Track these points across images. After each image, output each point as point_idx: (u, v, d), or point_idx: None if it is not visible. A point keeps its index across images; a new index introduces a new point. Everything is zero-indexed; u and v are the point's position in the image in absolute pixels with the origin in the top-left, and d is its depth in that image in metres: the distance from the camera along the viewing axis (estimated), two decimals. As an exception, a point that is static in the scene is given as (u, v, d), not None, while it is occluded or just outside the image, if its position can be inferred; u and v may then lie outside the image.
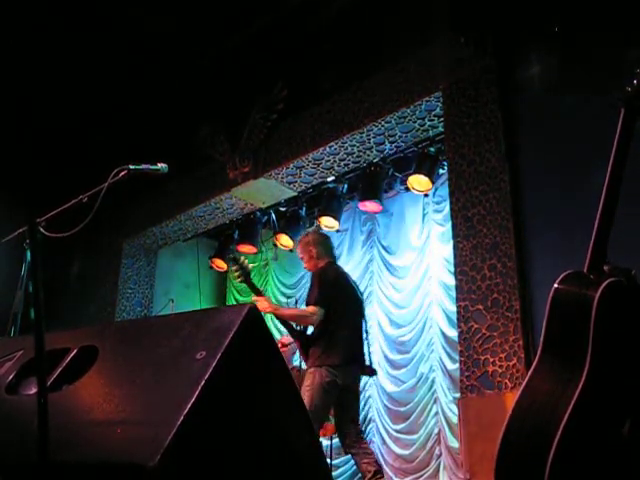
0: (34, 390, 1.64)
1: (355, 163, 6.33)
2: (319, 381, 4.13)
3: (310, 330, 4.44)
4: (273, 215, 7.45)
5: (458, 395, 4.88)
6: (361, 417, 6.04)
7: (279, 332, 7.71)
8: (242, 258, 4.60)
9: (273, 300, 8.44)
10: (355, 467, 6.72)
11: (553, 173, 4.43)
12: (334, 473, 6.56)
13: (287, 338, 6.40)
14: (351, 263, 7.44)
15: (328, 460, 5.29)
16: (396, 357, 7.00)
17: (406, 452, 6.63)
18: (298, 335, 4.50)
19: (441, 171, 6.30)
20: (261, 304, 4.38)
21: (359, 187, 6.72)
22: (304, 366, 6.29)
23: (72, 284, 7.93)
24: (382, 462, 6.24)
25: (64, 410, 1.54)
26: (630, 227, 3.19)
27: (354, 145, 5.99)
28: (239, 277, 4.56)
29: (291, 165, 6.33)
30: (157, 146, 6.97)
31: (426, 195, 6.68)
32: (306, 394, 4.09)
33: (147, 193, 7.05)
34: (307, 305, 4.36)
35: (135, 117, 7.52)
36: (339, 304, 4.34)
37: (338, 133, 5.87)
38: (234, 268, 4.60)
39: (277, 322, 8.13)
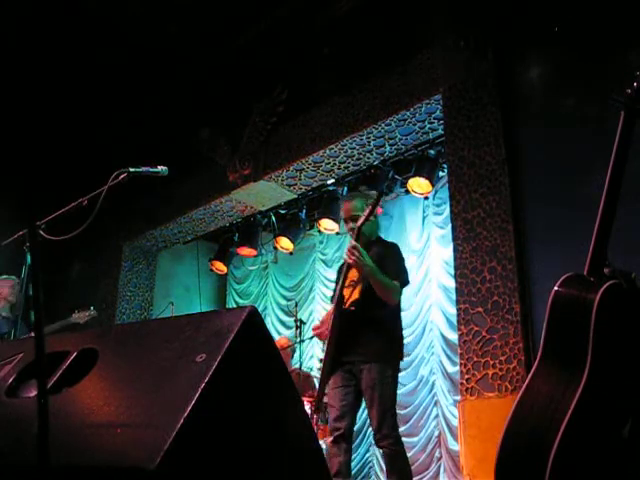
0: (34, 393, 1.64)
1: (355, 166, 6.33)
2: (395, 374, 3.74)
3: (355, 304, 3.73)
4: (273, 218, 7.44)
5: (458, 398, 4.88)
6: (361, 420, 6.03)
7: (278, 334, 7.71)
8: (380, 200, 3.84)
9: (273, 302, 8.47)
10: (355, 469, 6.74)
11: (553, 175, 4.42)
12: (334, 476, 6.54)
13: (286, 340, 6.39)
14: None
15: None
16: (396, 360, 6.99)
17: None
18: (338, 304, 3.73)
19: (441, 174, 6.30)
20: (356, 253, 3.62)
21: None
22: (304, 368, 6.30)
23: (72, 287, 7.93)
24: (382, 465, 6.22)
25: (64, 413, 1.54)
26: (630, 229, 3.19)
27: (354, 148, 5.98)
28: (367, 208, 3.75)
29: (291, 168, 6.33)
30: (157, 148, 6.97)
31: (426, 198, 6.68)
32: (390, 385, 3.64)
33: (147, 196, 7.05)
34: (385, 274, 3.68)
35: (135, 119, 7.53)
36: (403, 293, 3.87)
37: (338, 136, 5.87)
38: (371, 196, 3.88)
39: (277, 324, 8.22)
